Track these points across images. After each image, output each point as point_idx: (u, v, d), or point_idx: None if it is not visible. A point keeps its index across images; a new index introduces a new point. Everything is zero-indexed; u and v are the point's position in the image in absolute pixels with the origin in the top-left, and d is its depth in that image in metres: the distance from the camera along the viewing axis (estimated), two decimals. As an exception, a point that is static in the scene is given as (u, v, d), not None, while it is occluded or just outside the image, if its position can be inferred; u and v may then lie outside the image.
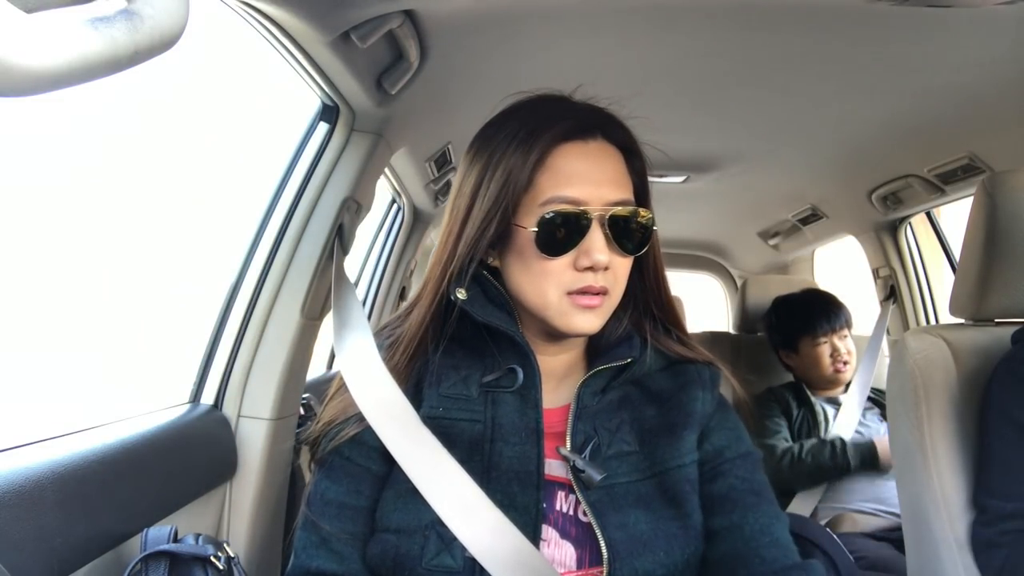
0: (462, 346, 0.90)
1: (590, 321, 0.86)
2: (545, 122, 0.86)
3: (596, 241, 0.84)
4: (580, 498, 0.84)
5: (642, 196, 0.92)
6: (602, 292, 0.85)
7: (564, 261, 0.85)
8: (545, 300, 0.86)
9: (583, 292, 0.85)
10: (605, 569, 0.80)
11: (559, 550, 0.84)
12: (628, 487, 0.86)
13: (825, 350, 2.21)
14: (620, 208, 0.86)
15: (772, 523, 0.87)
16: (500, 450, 0.85)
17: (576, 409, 0.88)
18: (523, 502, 0.83)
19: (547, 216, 0.84)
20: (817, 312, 2.23)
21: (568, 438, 0.86)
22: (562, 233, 0.84)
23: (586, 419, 0.88)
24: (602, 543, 0.81)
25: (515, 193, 0.85)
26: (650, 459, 0.88)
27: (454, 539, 0.81)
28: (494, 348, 0.89)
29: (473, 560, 0.80)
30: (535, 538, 0.82)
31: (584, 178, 0.86)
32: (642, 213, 0.88)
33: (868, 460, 1.96)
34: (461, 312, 0.88)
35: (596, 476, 0.83)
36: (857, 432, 2.09)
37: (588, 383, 0.89)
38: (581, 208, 0.84)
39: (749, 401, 1.03)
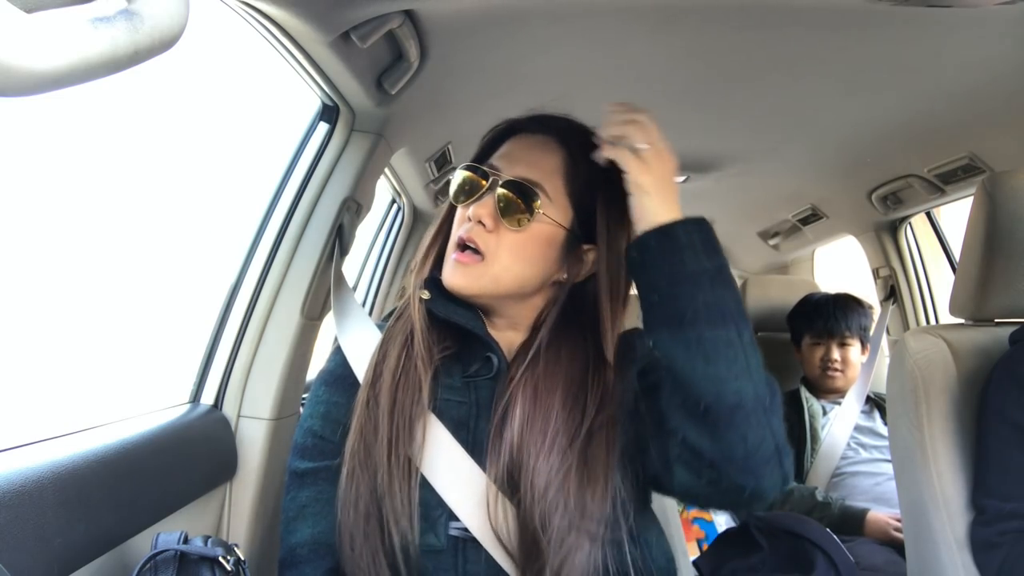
0: (438, 343, 0.96)
1: (457, 276, 0.92)
2: (507, 121, 1.00)
3: (486, 198, 0.92)
4: None
5: (580, 196, 0.94)
6: (472, 248, 0.91)
7: (461, 214, 0.94)
8: (448, 250, 0.95)
9: (459, 243, 0.92)
10: None
11: None
12: None
13: (817, 352, 2.21)
14: (519, 178, 0.92)
15: None
16: (484, 427, 0.90)
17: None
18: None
19: (461, 167, 0.96)
20: (821, 314, 2.22)
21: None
22: (466, 185, 0.94)
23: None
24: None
25: None
26: None
27: (438, 519, 0.86)
28: (465, 343, 0.95)
29: (455, 539, 0.85)
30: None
31: (510, 155, 0.95)
32: (537, 195, 0.90)
33: (849, 526, 1.85)
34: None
35: None
36: (865, 432, 2.08)
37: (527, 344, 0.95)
38: (488, 168, 0.93)
39: None
